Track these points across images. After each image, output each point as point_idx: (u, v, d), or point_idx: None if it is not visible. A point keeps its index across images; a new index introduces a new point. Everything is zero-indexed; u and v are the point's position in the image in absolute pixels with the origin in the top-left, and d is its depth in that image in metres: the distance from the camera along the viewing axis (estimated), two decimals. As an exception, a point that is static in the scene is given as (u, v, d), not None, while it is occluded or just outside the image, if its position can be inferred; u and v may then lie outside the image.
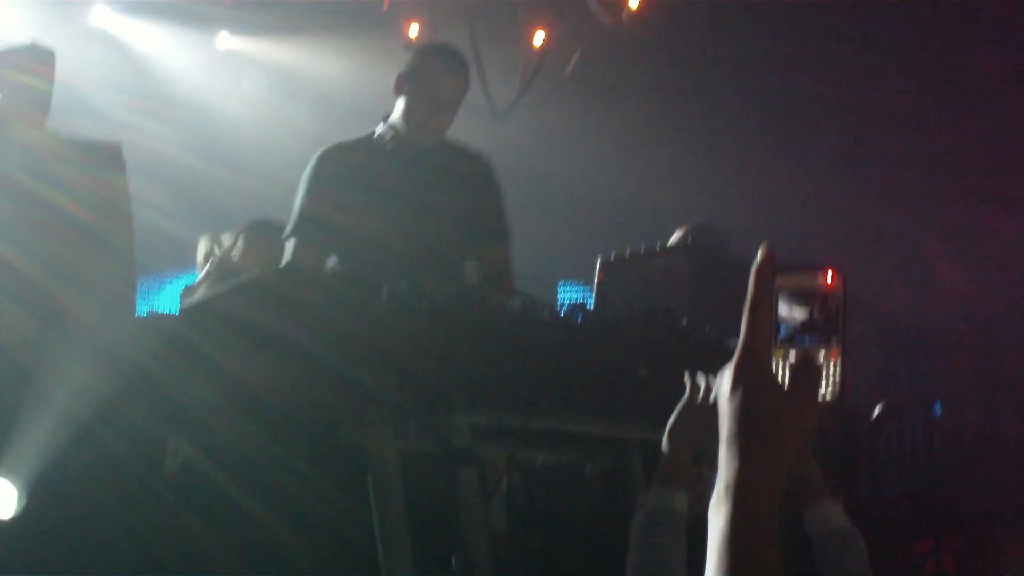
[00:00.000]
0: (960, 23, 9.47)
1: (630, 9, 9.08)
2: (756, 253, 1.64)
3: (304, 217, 5.18)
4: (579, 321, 4.20)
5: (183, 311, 4.68)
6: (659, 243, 6.04)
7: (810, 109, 10.36)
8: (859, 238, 9.90)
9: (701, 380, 3.28)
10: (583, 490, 4.46)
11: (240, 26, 11.05)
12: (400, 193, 5.20)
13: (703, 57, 10.63)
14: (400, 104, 5.28)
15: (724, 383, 1.64)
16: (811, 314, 1.67)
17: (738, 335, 1.63)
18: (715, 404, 1.56)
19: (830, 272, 1.68)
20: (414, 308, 3.91)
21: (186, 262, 7.08)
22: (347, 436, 3.95)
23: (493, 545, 3.98)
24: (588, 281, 6.20)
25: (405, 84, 5.26)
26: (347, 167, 5.24)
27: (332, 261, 5.20)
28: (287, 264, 4.91)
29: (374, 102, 5.67)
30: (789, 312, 1.68)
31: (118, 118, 9.28)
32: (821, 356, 1.67)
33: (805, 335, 1.67)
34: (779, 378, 1.64)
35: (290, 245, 5.18)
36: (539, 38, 9.33)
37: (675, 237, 6.97)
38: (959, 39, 9.48)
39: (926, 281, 9.70)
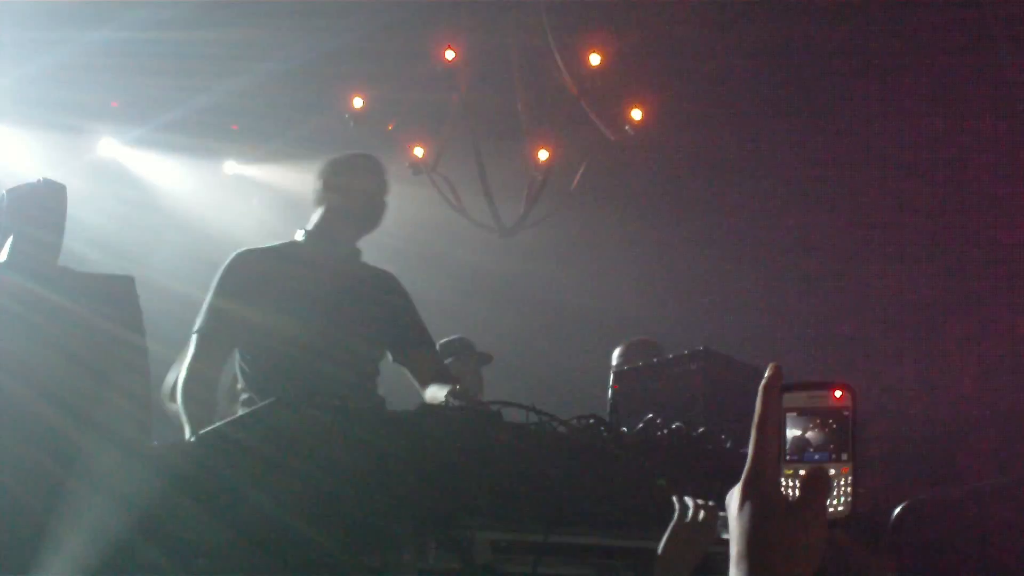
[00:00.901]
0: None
1: (633, 122, 9.14)
2: (765, 369, 1.66)
3: (212, 314, 5.27)
4: (595, 434, 4.20)
5: (195, 441, 4.66)
6: (671, 353, 6.04)
7: (821, 219, 10.40)
8: (870, 342, 9.89)
9: (689, 501, 3.28)
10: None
11: (246, 154, 11.17)
12: (315, 296, 5.31)
13: (708, 168, 10.70)
14: (334, 207, 5.45)
15: (732, 502, 1.64)
16: (821, 432, 1.68)
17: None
18: (704, 522, 1.55)
19: (839, 390, 1.69)
20: (427, 428, 3.91)
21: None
22: (366, 560, 3.93)
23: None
24: (599, 393, 6.20)
25: (344, 183, 5.47)
26: (263, 269, 5.34)
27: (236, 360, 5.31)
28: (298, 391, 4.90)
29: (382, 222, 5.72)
30: (798, 431, 1.68)
31: (128, 248, 9.35)
32: (832, 472, 1.66)
33: (815, 453, 1.68)
34: (789, 495, 1.64)
35: (194, 340, 5.26)
36: (543, 154, 9.39)
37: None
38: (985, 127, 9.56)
39: (940, 380, 9.67)
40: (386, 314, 5.48)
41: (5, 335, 5.00)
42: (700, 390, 5.49)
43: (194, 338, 5.28)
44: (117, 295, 5.36)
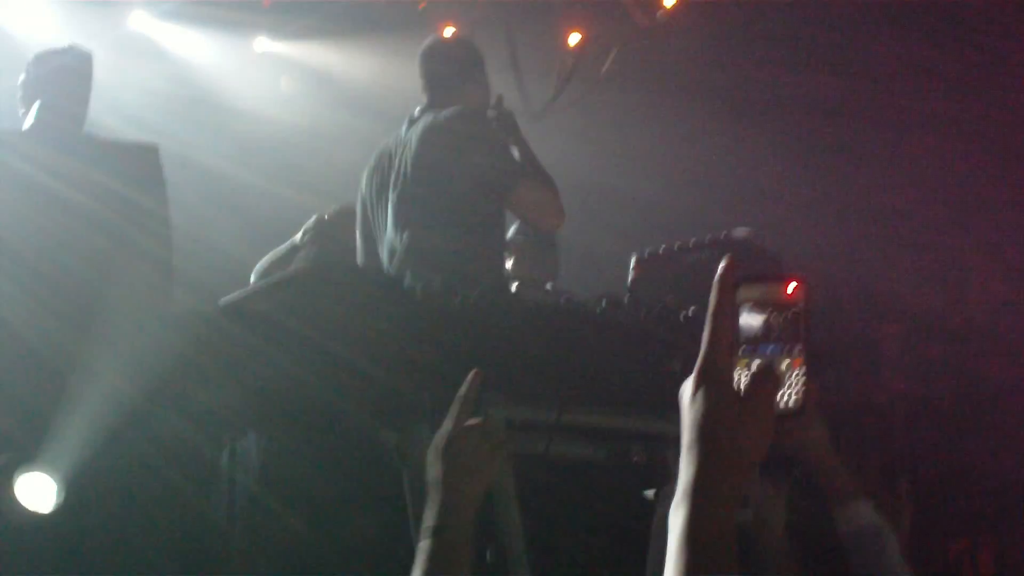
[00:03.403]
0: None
1: (665, 8, 9.06)
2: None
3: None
4: (613, 316, 4.21)
5: (217, 310, 4.69)
6: (692, 239, 6.03)
7: (851, 109, 10.33)
8: (892, 240, 9.88)
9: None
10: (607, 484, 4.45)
11: (277, 30, 11.10)
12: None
13: (738, 56, 10.62)
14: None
15: (686, 391, 1.66)
16: (774, 324, 1.69)
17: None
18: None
19: (792, 282, 1.70)
20: (447, 305, 3.93)
21: (222, 269, 7.03)
22: (381, 434, 3.97)
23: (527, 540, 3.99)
24: (624, 279, 6.21)
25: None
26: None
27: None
28: (321, 262, 4.95)
29: (410, 103, 5.70)
30: (753, 322, 1.69)
31: (155, 122, 9.34)
32: (784, 365, 1.68)
33: (768, 345, 1.69)
34: (741, 387, 1.67)
35: None
36: (574, 38, 9.33)
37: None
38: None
39: (959, 281, 9.67)
40: None
41: (27, 201, 5.03)
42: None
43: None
44: (141, 162, 5.39)
